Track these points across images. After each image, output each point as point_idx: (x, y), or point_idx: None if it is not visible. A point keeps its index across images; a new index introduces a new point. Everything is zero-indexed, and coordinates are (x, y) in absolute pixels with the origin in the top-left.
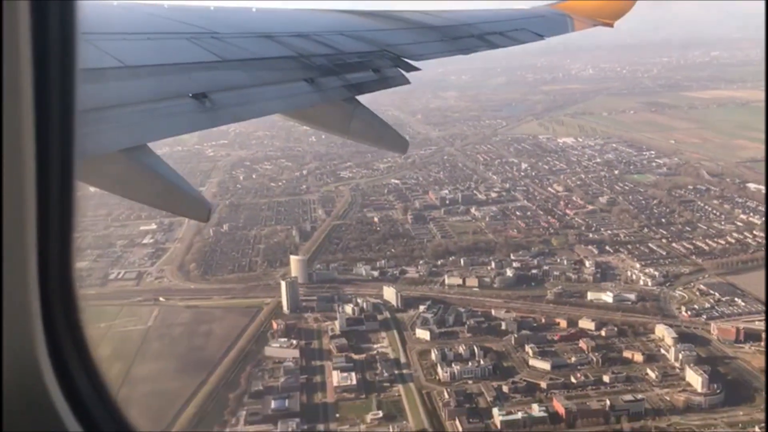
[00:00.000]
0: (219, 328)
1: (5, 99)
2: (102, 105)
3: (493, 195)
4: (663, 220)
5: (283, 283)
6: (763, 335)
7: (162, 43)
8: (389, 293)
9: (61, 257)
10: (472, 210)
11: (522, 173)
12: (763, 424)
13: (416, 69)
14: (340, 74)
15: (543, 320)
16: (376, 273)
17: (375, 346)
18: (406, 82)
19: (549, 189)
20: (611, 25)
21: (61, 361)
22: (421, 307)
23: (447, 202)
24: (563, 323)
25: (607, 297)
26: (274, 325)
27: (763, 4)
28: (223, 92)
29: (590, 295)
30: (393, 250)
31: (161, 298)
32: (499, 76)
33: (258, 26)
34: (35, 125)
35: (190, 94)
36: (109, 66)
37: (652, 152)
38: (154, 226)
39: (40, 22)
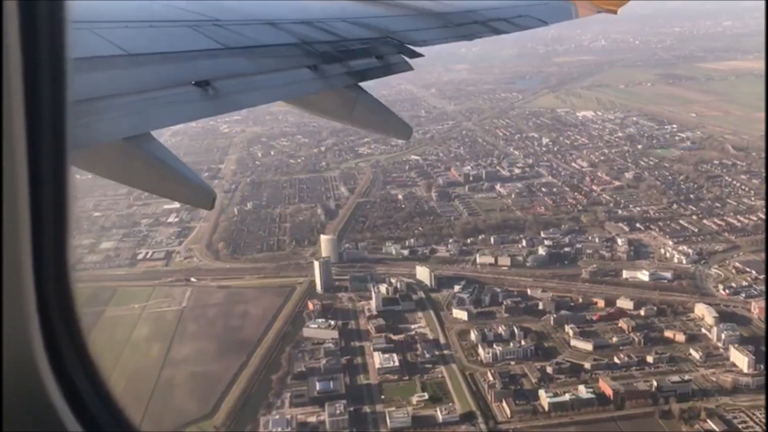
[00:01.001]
0: (254, 309)
1: None
2: (105, 93)
3: (517, 171)
4: (692, 195)
5: (316, 263)
6: None
7: (164, 31)
8: (422, 273)
9: (56, 253)
10: (497, 187)
11: (544, 148)
12: None
13: (419, 55)
14: (343, 61)
15: (580, 300)
16: (406, 252)
17: (413, 326)
18: (410, 68)
19: (573, 164)
20: (615, 12)
21: (58, 360)
22: (456, 287)
23: (471, 178)
24: (601, 303)
25: (643, 275)
26: (310, 306)
27: None
28: (226, 80)
29: (625, 274)
30: (420, 229)
31: (193, 279)
32: (509, 47)
33: (260, 13)
34: (26, 122)
35: (193, 82)
36: (112, 54)
37: (674, 126)
38: (177, 205)
39: (29, 21)
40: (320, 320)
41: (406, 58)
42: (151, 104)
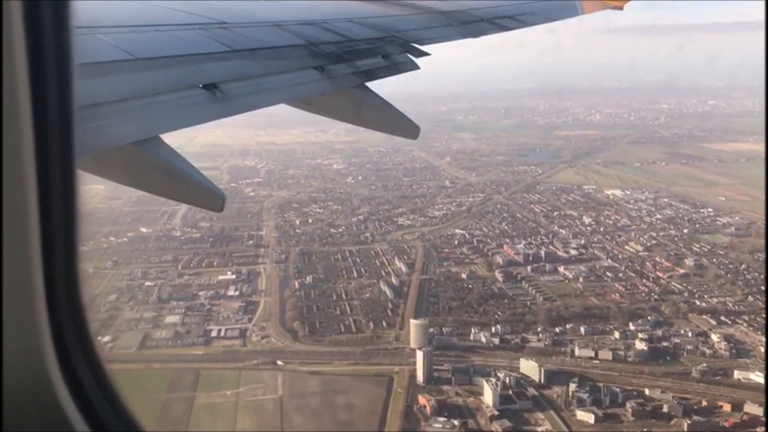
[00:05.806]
0: (358, 400)
1: (3, 100)
2: (114, 98)
3: (573, 252)
4: (762, 287)
5: (419, 353)
6: None
7: (171, 34)
8: (527, 367)
9: (66, 256)
10: (561, 269)
11: (589, 228)
12: None
13: (426, 54)
14: (349, 61)
15: (704, 402)
16: (496, 340)
17: (539, 429)
18: (416, 67)
19: (626, 247)
20: (621, 8)
21: (67, 361)
22: (572, 385)
23: (530, 258)
24: (726, 407)
25: (757, 377)
26: (422, 401)
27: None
28: (234, 82)
29: (737, 374)
30: (500, 313)
31: (279, 362)
32: (505, 117)
33: (266, 15)
34: (33, 129)
35: (201, 85)
36: (120, 59)
37: (710, 210)
38: (231, 276)
39: (34, 22)
40: (442, 419)
41: (413, 57)
42: (159, 108)
